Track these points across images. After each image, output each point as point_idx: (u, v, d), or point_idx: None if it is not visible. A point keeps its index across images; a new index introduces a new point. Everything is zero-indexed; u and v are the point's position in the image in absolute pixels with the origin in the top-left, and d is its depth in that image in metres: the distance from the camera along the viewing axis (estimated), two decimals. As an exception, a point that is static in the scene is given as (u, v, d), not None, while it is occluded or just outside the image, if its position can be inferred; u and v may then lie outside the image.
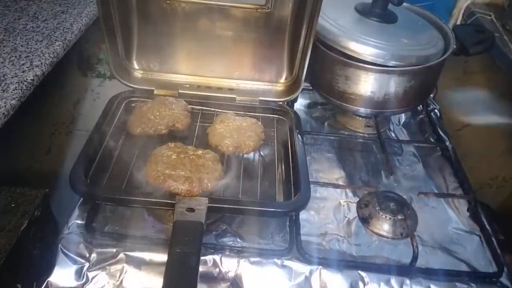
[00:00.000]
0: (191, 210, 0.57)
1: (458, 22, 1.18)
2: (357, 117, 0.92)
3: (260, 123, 0.76)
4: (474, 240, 0.70)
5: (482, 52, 0.86)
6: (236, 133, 0.72)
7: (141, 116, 0.73)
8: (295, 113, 0.81)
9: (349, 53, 0.79)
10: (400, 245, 0.67)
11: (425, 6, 0.97)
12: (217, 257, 0.62)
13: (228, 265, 0.62)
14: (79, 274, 0.60)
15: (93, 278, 0.59)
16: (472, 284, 0.62)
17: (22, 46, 0.79)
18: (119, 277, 0.60)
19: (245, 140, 0.71)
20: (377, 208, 0.69)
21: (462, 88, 1.14)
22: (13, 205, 0.58)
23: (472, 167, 0.85)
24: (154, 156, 0.65)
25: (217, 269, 0.62)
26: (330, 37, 0.81)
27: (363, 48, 0.78)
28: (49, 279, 0.59)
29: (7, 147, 0.70)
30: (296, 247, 0.64)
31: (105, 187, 0.64)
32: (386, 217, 0.68)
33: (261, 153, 0.75)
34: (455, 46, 0.83)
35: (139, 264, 0.61)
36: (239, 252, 0.63)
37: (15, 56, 0.75)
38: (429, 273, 0.63)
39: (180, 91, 0.81)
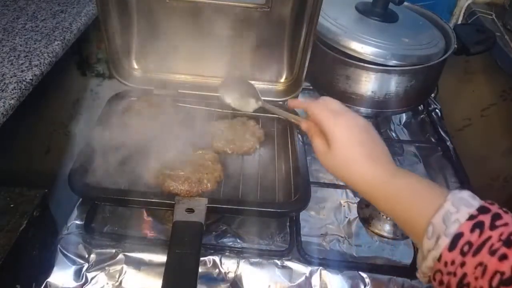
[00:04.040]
0: (191, 210, 0.57)
1: (459, 22, 1.18)
2: (358, 117, 0.91)
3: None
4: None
5: (483, 51, 0.86)
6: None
7: (136, 119, 0.73)
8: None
9: (350, 52, 0.78)
10: (401, 246, 0.67)
11: (426, 5, 0.96)
12: (216, 258, 0.62)
13: (228, 266, 0.61)
14: (78, 274, 0.59)
15: (92, 278, 0.59)
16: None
17: (21, 45, 0.78)
18: (118, 278, 0.60)
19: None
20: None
21: (463, 88, 1.14)
22: (12, 206, 0.58)
23: (473, 167, 0.85)
24: (154, 156, 0.65)
25: (217, 270, 0.61)
26: (330, 37, 0.80)
27: (363, 47, 0.77)
28: (48, 279, 0.59)
29: (6, 147, 0.70)
30: (296, 248, 0.64)
31: (104, 188, 0.63)
32: (387, 217, 0.68)
33: (261, 153, 0.74)
34: (456, 46, 0.83)
35: (139, 264, 0.61)
36: (239, 253, 0.63)
37: (14, 56, 0.75)
38: (430, 274, 0.62)
39: (179, 90, 0.81)
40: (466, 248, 0.35)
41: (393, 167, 0.46)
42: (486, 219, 0.36)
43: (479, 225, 0.36)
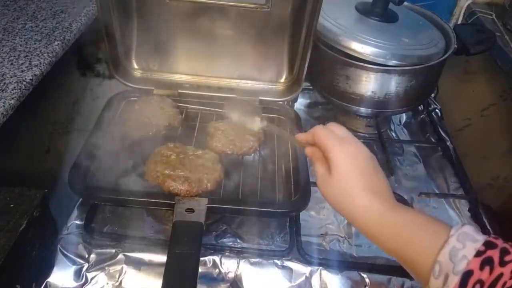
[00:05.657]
0: (191, 210, 0.57)
1: (459, 22, 1.18)
2: (358, 117, 0.91)
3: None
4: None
5: (483, 51, 0.86)
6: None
7: (136, 119, 0.73)
8: (296, 113, 0.80)
9: (350, 52, 0.78)
10: (401, 246, 0.67)
11: (426, 5, 0.96)
12: (216, 258, 0.62)
13: (228, 266, 0.62)
14: (78, 274, 0.59)
15: (92, 278, 0.59)
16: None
17: (21, 45, 0.78)
18: (118, 278, 0.60)
19: None
20: (377, 209, 0.69)
21: (463, 88, 1.14)
22: (12, 206, 0.58)
23: (473, 167, 0.85)
24: (154, 156, 0.65)
25: (217, 270, 0.61)
26: (330, 37, 0.80)
27: (363, 47, 0.77)
28: (48, 279, 0.59)
29: (6, 147, 0.70)
30: (296, 248, 0.64)
31: (104, 188, 0.63)
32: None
33: (261, 153, 0.74)
34: (456, 46, 0.83)
35: (138, 264, 0.61)
36: (239, 253, 0.63)
37: (14, 56, 0.75)
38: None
39: (179, 90, 0.81)
40: (477, 287, 0.34)
41: (393, 202, 0.44)
42: (495, 254, 0.35)
43: (488, 262, 0.34)
